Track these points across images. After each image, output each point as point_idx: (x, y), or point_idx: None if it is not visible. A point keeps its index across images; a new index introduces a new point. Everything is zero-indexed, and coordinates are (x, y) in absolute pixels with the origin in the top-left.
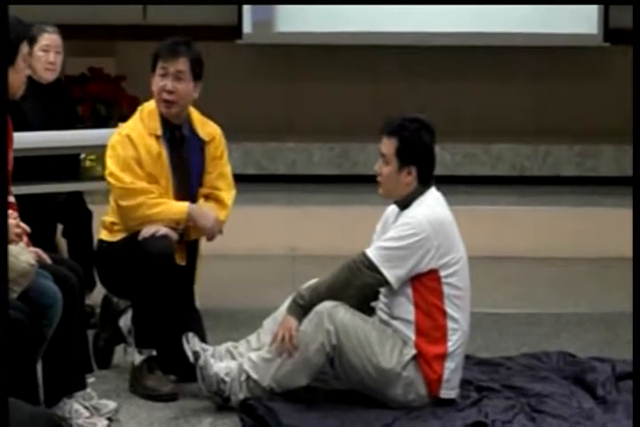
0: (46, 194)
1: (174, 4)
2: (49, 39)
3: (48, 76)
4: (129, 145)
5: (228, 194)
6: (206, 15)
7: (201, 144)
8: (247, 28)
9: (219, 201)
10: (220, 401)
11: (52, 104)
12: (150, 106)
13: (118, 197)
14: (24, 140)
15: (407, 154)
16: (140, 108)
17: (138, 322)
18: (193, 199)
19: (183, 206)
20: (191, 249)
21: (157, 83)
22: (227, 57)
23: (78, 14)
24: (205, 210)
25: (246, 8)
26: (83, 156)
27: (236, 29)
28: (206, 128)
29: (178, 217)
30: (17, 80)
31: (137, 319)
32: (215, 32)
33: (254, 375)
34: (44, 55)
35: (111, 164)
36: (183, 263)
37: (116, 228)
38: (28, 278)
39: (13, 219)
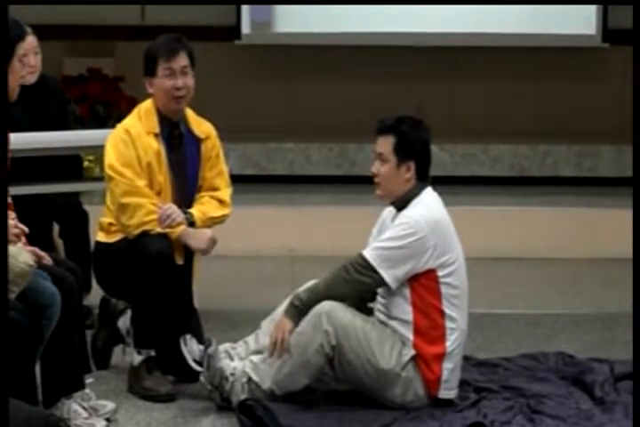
0: (41, 193)
1: (173, 4)
2: (27, 43)
3: (32, 79)
4: (129, 142)
5: (227, 191)
6: (205, 16)
7: (197, 142)
8: (246, 28)
9: (220, 201)
10: (220, 401)
11: (40, 103)
12: (147, 104)
13: (122, 193)
14: (23, 140)
15: (405, 149)
16: (137, 106)
17: (137, 322)
18: (190, 196)
19: (177, 227)
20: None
21: (164, 83)
22: (225, 58)
23: (77, 15)
24: (200, 232)
25: (245, 9)
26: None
27: (235, 30)
28: (201, 126)
29: (167, 232)
30: (12, 82)
31: (136, 320)
32: (214, 33)
33: (255, 378)
34: (25, 60)
35: (113, 157)
36: (181, 262)
37: (113, 229)
38: (26, 279)
39: (12, 219)
